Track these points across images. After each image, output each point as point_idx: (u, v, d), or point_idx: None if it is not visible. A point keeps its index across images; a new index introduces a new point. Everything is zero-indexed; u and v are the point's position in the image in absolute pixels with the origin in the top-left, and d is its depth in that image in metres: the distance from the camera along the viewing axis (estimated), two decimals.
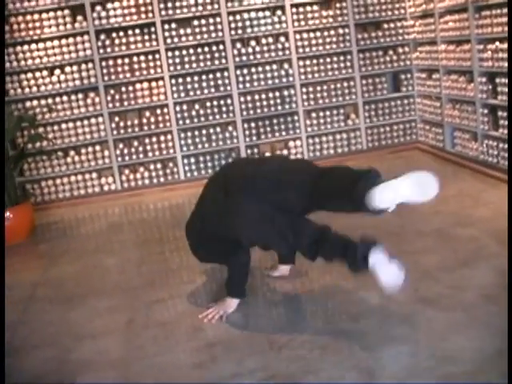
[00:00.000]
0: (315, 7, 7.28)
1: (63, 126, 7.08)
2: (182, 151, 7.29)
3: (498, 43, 5.59)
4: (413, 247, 4.24)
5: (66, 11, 6.88)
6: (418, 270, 3.86)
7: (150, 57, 7.10)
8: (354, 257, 3.25)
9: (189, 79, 7.17)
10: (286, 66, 7.36)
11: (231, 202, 3.47)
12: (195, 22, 7.08)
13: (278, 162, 3.81)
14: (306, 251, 3.48)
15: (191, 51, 7.13)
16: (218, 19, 7.10)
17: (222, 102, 7.28)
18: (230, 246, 3.52)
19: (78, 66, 7.01)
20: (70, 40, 6.93)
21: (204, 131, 7.31)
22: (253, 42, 7.25)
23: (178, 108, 7.22)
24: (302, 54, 7.32)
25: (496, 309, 3.15)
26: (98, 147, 7.19)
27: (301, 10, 7.24)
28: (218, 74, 7.22)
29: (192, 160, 7.34)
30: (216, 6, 7.06)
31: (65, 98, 7.03)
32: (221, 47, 7.15)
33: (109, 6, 6.92)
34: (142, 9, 6.98)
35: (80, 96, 7.06)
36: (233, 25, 7.12)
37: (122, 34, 7.00)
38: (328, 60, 7.40)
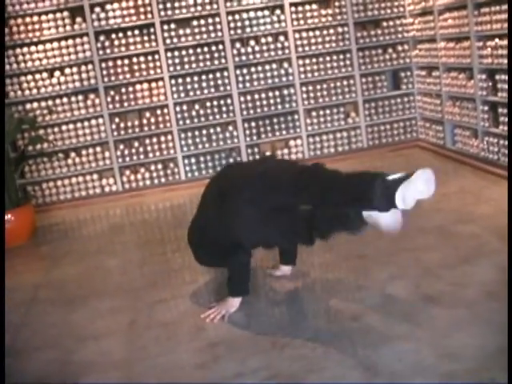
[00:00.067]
0: (314, 6, 7.28)
1: (63, 127, 7.08)
2: (182, 151, 7.29)
3: (497, 40, 5.59)
4: (414, 244, 4.24)
5: (66, 13, 6.89)
6: (419, 267, 3.87)
7: (150, 57, 7.11)
8: (348, 220, 3.27)
9: (188, 79, 7.17)
10: (285, 65, 7.36)
11: (229, 207, 3.51)
12: (194, 23, 7.08)
13: (272, 163, 3.84)
14: (306, 241, 3.55)
15: (191, 51, 7.13)
16: (217, 19, 7.10)
17: (222, 102, 7.28)
18: (230, 248, 3.53)
19: (77, 68, 7.01)
20: (70, 42, 6.94)
21: (204, 131, 7.31)
22: (252, 42, 7.24)
23: (178, 108, 7.22)
24: (301, 53, 7.32)
25: (498, 305, 3.14)
26: (98, 148, 7.19)
27: (300, 8, 7.24)
28: (218, 74, 7.22)
29: (193, 160, 7.35)
30: (215, 6, 7.06)
31: (65, 99, 7.04)
32: (220, 47, 7.15)
33: (108, 7, 6.92)
34: (141, 10, 6.98)
35: (80, 97, 7.06)
36: (232, 24, 7.12)
37: (121, 35, 7.00)
38: (328, 59, 7.40)
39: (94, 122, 7.12)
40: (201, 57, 7.15)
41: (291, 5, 7.21)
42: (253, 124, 7.37)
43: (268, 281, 4.05)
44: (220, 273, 4.11)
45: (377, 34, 7.45)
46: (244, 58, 7.21)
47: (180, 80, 7.16)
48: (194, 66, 7.15)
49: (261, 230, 3.50)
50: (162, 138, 7.25)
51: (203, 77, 7.20)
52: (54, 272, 4.92)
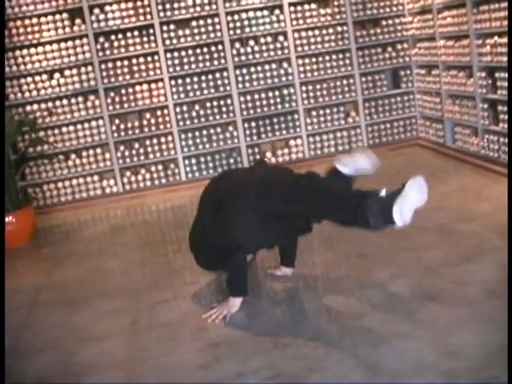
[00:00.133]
0: (313, 5, 7.28)
1: (64, 129, 7.08)
2: (182, 152, 7.29)
3: (496, 38, 5.59)
4: (415, 243, 4.24)
5: (65, 15, 6.89)
6: (420, 266, 3.87)
7: (149, 58, 7.11)
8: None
9: (188, 80, 7.17)
10: (285, 64, 7.36)
11: (226, 214, 3.54)
12: (194, 23, 7.08)
13: (267, 172, 3.84)
14: (304, 231, 3.68)
15: (190, 52, 7.13)
16: (217, 19, 7.10)
17: (221, 103, 7.28)
18: (228, 250, 3.55)
19: (77, 69, 7.01)
20: (69, 43, 6.94)
21: (204, 132, 7.31)
22: (251, 42, 7.24)
23: (178, 109, 7.22)
24: (300, 53, 7.32)
25: (499, 303, 3.14)
26: (98, 150, 7.19)
27: (299, 8, 7.24)
28: (218, 75, 7.22)
29: (193, 161, 7.35)
30: (214, 7, 7.06)
31: (65, 101, 7.04)
32: (220, 47, 7.15)
33: (107, 8, 6.93)
34: (141, 11, 6.98)
35: (80, 99, 7.07)
36: (231, 25, 7.12)
37: (120, 36, 7.00)
38: (327, 58, 7.40)
39: (94, 123, 7.12)
40: (200, 57, 7.15)
41: (290, 4, 7.20)
42: (253, 124, 7.37)
43: (269, 281, 4.06)
44: (221, 273, 4.12)
45: (376, 33, 7.45)
46: (243, 58, 7.22)
47: (180, 81, 7.17)
48: (193, 66, 7.15)
49: (260, 234, 3.54)
50: (163, 139, 7.26)
51: (203, 77, 7.20)
52: (55, 274, 4.92)
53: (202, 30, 7.09)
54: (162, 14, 6.98)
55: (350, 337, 3.11)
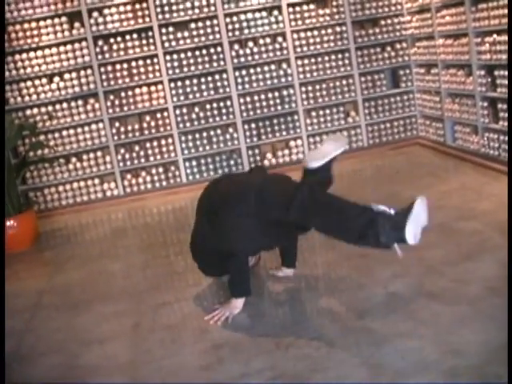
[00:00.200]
0: (312, 6, 7.28)
1: (64, 132, 7.10)
2: (183, 154, 7.30)
3: (495, 36, 5.59)
4: None
5: (64, 18, 6.90)
6: (422, 265, 3.87)
7: (149, 61, 7.12)
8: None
9: (188, 82, 7.18)
10: (284, 65, 7.36)
11: (223, 222, 3.56)
12: (192, 25, 7.09)
13: (265, 177, 3.85)
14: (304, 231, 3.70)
15: (189, 54, 7.14)
16: (215, 21, 7.10)
17: (221, 104, 7.28)
18: (229, 253, 3.56)
19: (76, 73, 7.02)
20: (69, 47, 6.95)
21: (205, 134, 7.32)
22: (250, 43, 7.25)
23: (177, 111, 7.23)
24: (299, 54, 7.32)
25: (500, 301, 3.14)
26: (99, 153, 7.20)
27: (297, 9, 7.24)
28: (217, 76, 7.23)
29: (193, 163, 7.35)
30: (213, 9, 7.07)
31: (65, 104, 7.05)
32: (219, 49, 7.16)
33: (106, 11, 6.93)
34: (139, 13, 6.99)
35: (80, 102, 7.08)
36: (230, 26, 7.13)
37: (119, 39, 7.01)
38: (326, 58, 7.41)
39: (94, 126, 7.13)
40: (199, 59, 7.16)
41: (289, 5, 7.21)
42: (253, 125, 7.37)
43: (271, 282, 4.06)
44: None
45: (375, 33, 7.45)
46: (243, 59, 7.22)
47: (179, 83, 7.17)
48: (192, 68, 7.15)
49: (259, 238, 3.57)
50: (163, 142, 7.27)
51: (202, 79, 7.21)
52: (57, 277, 4.93)
53: (201, 32, 7.09)
54: (160, 17, 6.99)
55: (352, 336, 3.12)
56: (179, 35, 7.06)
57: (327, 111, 7.49)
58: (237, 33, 7.16)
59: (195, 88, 7.19)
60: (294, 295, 3.89)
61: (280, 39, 7.28)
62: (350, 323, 3.29)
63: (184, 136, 7.28)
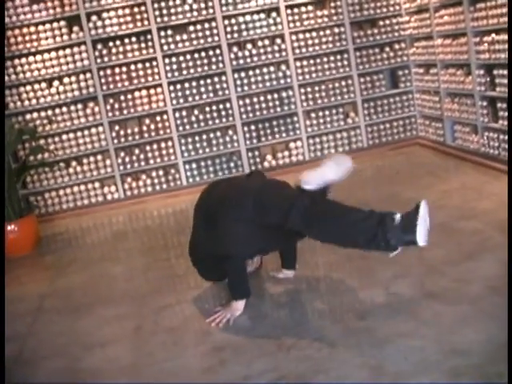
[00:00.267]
0: (310, 7, 7.28)
1: (64, 136, 7.10)
2: (183, 157, 7.30)
3: (494, 35, 5.60)
4: None
5: (62, 22, 6.90)
6: (423, 265, 3.88)
7: (148, 64, 7.12)
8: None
9: (187, 85, 7.19)
10: (283, 67, 7.36)
11: (219, 226, 3.56)
12: (191, 28, 7.10)
13: (264, 182, 3.83)
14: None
15: (188, 57, 7.14)
16: (214, 24, 7.11)
17: (221, 107, 7.29)
18: (227, 256, 3.57)
19: (76, 77, 7.03)
20: (68, 51, 6.95)
21: (204, 136, 7.32)
22: (249, 45, 7.26)
23: (177, 114, 7.23)
24: (298, 55, 7.33)
25: (502, 300, 3.14)
26: (99, 157, 7.21)
27: (296, 10, 7.25)
28: (216, 79, 7.23)
29: (193, 165, 7.36)
30: (211, 11, 7.07)
31: (64, 108, 7.06)
32: (217, 51, 7.17)
33: (104, 15, 6.94)
34: (138, 17, 6.99)
35: (79, 106, 7.08)
36: (228, 29, 7.13)
37: (118, 42, 7.02)
38: (325, 60, 7.41)
39: (94, 130, 7.14)
40: (198, 62, 7.16)
41: (287, 7, 7.21)
42: (252, 127, 7.38)
43: (272, 283, 4.06)
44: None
45: (373, 34, 7.46)
46: (241, 61, 7.23)
47: (178, 86, 7.18)
48: (191, 71, 7.16)
49: (257, 243, 3.58)
50: (163, 145, 7.27)
51: (201, 82, 7.21)
52: (59, 281, 4.93)
53: (200, 34, 7.10)
54: (159, 20, 6.99)
55: (354, 337, 3.12)
56: (178, 38, 7.07)
57: (326, 112, 7.49)
58: (235, 35, 7.16)
59: (194, 91, 7.20)
60: (295, 296, 3.89)
61: (279, 41, 7.28)
62: (352, 324, 3.29)
63: (184, 139, 7.29)
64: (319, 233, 3.35)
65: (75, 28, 6.93)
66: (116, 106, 7.12)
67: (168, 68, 7.10)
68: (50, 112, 7.02)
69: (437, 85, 6.92)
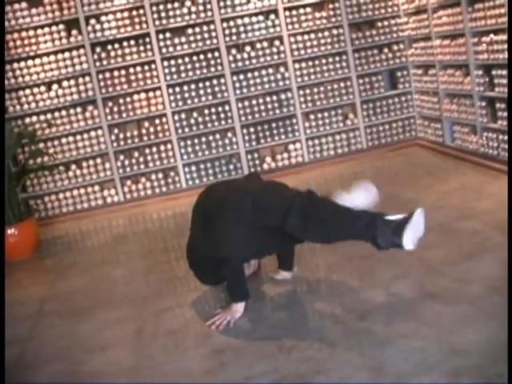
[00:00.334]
0: (308, 9, 7.29)
1: (63, 140, 7.10)
2: (182, 160, 7.30)
3: (492, 35, 5.60)
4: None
5: (61, 26, 6.91)
6: (423, 266, 3.88)
7: (146, 67, 7.13)
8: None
9: (186, 88, 7.19)
10: (281, 69, 7.37)
11: (216, 229, 3.57)
12: (189, 31, 7.10)
13: (263, 185, 3.83)
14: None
15: (187, 60, 7.15)
16: (212, 26, 7.11)
17: (220, 109, 7.29)
18: (224, 259, 3.58)
19: (75, 80, 7.03)
20: (66, 54, 6.96)
21: (203, 139, 7.32)
22: (248, 48, 7.26)
23: (176, 117, 7.24)
24: (297, 57, 7.33)
25: (502, 300, 3.14)
26: (98, 160, 7.21)
27: (294, 12, 7.25)
28: (215, 81, 7.23)
29: (193, 168, 7.36)
30: (209, 14, 7.08)
31: (63, 112, 7.06)
32: (216, 54, 7.17)
33: (103, 18, 6.95)
34: (136, 20, 7.00)
35: (78, 110, 7.08)
36: (227, 31, 7.14)
37: (117, 46, 7.02)
38: (323, 61, 7.41)
39: (93, 133, 7.14)
40: (197, 64, 7.16)
41: (285, 9, 7.22)
42: (251, 130, 7.38)
43: (271, 285, 4.06)
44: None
45: (372, 35, 7.46)
46: (240, 64, 7.23)
47: (177, 89, 7.18)
48: (190, 74, 7.16)
49: (254, 246, 3.58)
50: (162, 147, 7.27)
51: (200, 84, 7.21)
52: (59, 284, 4.93)
53: (198, 37, 7.11)
54: (157, 23, 7.00)
55: (354, 338, 3.12)
56: (176, 41, 7.07)
57: (325, 114, 7.50)
58: (234, 37, 7.17)
59: (193, 93, 7.20)
60: (296, 298, 3.89)
61: (277, 43, 7.29)
62: (352, 325, 3.29)
63: (183, 141, 7.29)
64: (318, 234, 3.36)
65: (74, 31, 6.93)
66: (115, 109, 7.12)
67: (167, 71, 7.11)
68: (49, 116, 7.02)
69: (435, 85, 6.92)
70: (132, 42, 7.05)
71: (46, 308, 4.43)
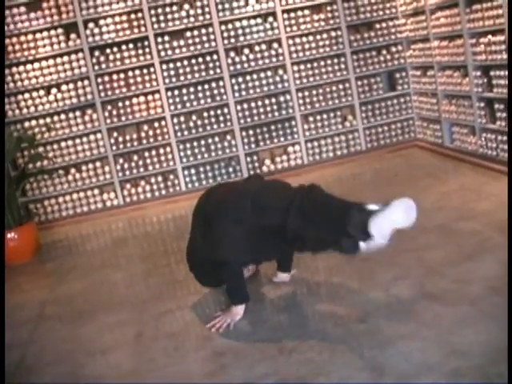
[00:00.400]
0: (306, 12, 7.30)
1: (63, 144, 7.11)
2: (181, 163, 7.31)
3: (490, 36, 5.61)
4: (416, 244, 4.24)
5: (60, 30, 6.92)
6: (422, 267, 3.88)
7: (145, 71, 7.14)
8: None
9: (185, 91, 7.20)
10: (280, 71, 7.38)
11: (216, 230, 3.57)
12: (188, 34, 7.11)
13: (262, 184, 3.83)
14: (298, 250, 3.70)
15: (185, 63, 7.16)
16: (211, 29, 7.12)
17: (218, 112, 7.30)
18: (223, 262, 3.58)
19: (74, 84, 7.04)
20: (65, 58, 6.97)
21: (203, 142, 7.33)
22: (246, 50, 7.27)
23: (175, 120, 7.24)
24: (295, 59, 7.34)
25: (502, 300, 3.14)
26: (98, 163, 7.22)
27: (292, 15, 7.26)
28: (214, 84, 7.24)
29: (192, 171, 7.36)
30: (208, 17, 7.09)
31: (63, 116, 7.07)
32: (215, 57, 7.18)
33: (101, 22, 6.96)
34: (135, 23, 7.01)
35: (78, 113, 7.09)
36: (225, 34, 7.15)
37: (115, 49, 7.03)
38: (322, 63, 7.42)
39: (92, 137, 7.15)
40: (196, 67, 7.17)
41: (283, 12, 7.23)
42: (251, 132, 7.39)
43: (271, 287, 4.06)
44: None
45: (370, 37, 7.47)
46: (239, 66, 7.24)
47: (176, 92, 7.19)
48: (189, 77, 7.17)
49: (254, 249, 3.58)
50: (161, 151, 7.28)
51: (199, 87, 7.22)
52: (59, 288, 4.93)
53: (197, 40, 7.12)
54: (156, 26, 7.01)
55: (354, 340, 3.12)
56: (175, 44, 7.08)
57: (324, 116, 7.51)
58: (232, 40, 7.18)
59: (192, 96, 7.21)
60: (295, 300, 3.89)
61: (276, 45, 7.30)
62: (352, 326, 3.29)
63: (182, 144, 7.30)
64: (316, 235, 3.36)
65: (72, 35, 6.94)
66: (114, 112, 7.13)
67: (165, 74, 7.12)
68: (48, 119, 7.03)
69: (434, 87, 6.93)
70: (131, 46, 7.06)
71: (47, 312, 4.43)
